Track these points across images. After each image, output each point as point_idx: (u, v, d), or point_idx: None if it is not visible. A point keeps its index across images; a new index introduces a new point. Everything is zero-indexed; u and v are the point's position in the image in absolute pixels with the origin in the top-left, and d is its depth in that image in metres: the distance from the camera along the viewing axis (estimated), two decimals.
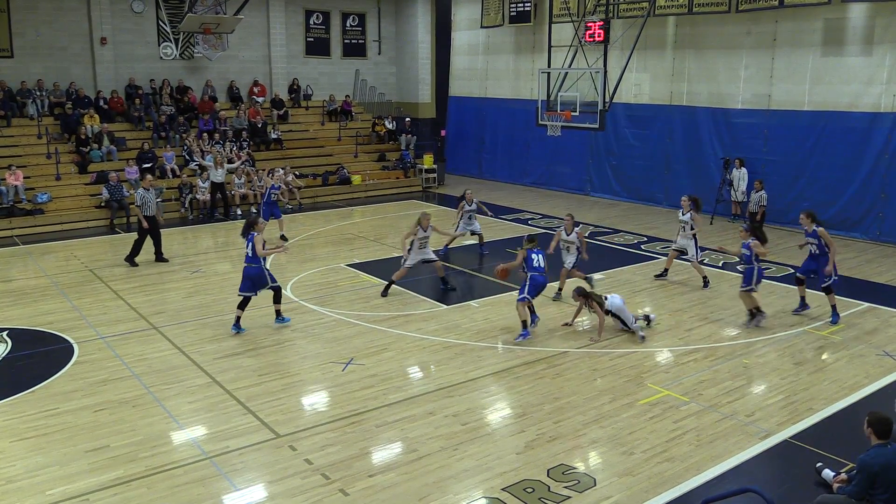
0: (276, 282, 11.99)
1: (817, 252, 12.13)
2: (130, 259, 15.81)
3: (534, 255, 11.66)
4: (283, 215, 18.17)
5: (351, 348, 11.13)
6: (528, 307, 11.61)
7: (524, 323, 11.43)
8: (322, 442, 8.30)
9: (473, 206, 16.57)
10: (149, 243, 15.93)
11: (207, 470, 7.74)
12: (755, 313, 11.98)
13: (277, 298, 12.09)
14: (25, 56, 22.36)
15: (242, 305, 11.80)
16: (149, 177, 16.41)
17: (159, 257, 16.12)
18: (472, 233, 16.82)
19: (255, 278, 11.73)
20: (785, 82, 19.24)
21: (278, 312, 12.15)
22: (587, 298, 11.51)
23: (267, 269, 11.90)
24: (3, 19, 21.82)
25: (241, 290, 11.78)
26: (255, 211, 18.68)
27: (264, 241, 11.87)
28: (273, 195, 17.50)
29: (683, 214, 14.29)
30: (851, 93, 17.95)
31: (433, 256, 14.02)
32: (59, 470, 7.73)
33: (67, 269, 15.70)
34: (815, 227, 12.01)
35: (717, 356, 10.85)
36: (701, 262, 14.49)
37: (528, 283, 11.51)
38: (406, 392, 9.64)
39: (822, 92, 18.51)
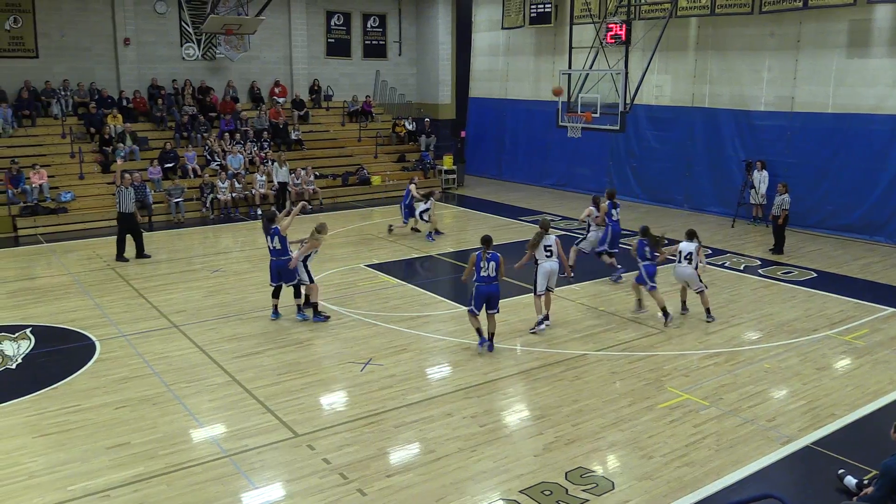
0: (309, 280, 12.26)
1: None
2: (119, 257, 16.17)
3: (482, 263, 10.66)
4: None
5: (370, 348, 11.15)
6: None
7: (477, 331, 11.00)
8: (340, 442, 8.32)
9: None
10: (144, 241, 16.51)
11: (226, 468, 7.78)
12: (666, 312, 12.20)
13: (298, 293, 12.43)
14: (50, 56, 22.61)
15: (275, 294, 12.39)
16: (127, 176, 16.68)
17: (140, 254, 16.36)
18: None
19: (279, 271, 12.14)
20: (808, 84, 19.05)
21: (299, 307, 12.46)
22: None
23: (305, 266, 12.23)
24: (29, 20, 22.09)
25: (270, 280, 12.36)
26: (273, 207, 18.85)
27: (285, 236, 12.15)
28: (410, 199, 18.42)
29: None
30: (876, 95, 17.74)
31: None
32: (80, 466, 7.81)
33: (90, 267, 15.85)
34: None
35: (737, 360, 10.76)
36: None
37: (472, 293, 10.88)
38: (424, 393, 9.65)
39: (846, 94, 18.31)
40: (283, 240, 12.03)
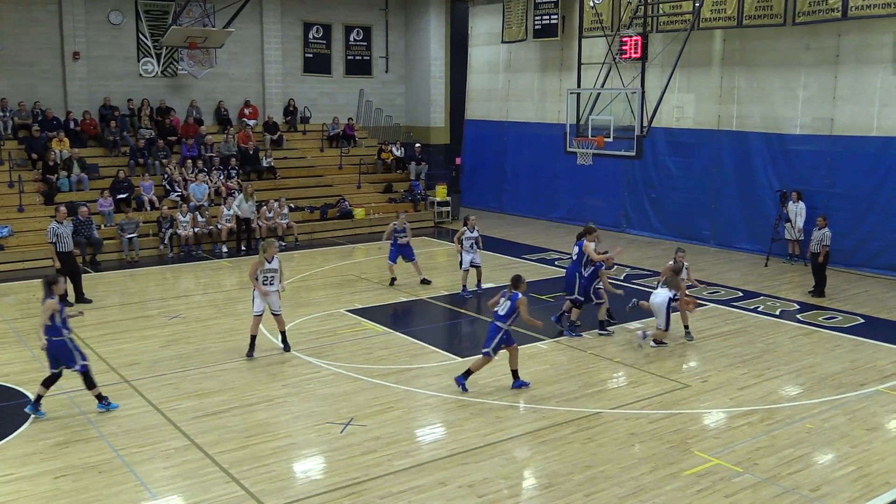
0: (85, 361, 10.85)
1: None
2: (62, 300, 15.96)
3: (501, 300, 11.59)
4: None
5: (351, 406, 11.06)
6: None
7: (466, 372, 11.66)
8: None
9: (475, 234, 16.97)
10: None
11: None
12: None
13: (88, 383, 10.87)
14: None
15: (46, 383, 10.76)
16: (62, 209, 16.80)
17: (80, 298, 16.35)
18: (473, 265, 17.06)
19: (54, 352, 10.70)
20: (850, 104, 19.26)
21: (98, 398, 10.97)
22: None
23: (71, 341, 10.86)
24: None
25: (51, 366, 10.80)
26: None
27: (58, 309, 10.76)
28: (399, 238, 17.83)
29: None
30: None
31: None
32: None
33: (29, 312, 15.74)
34: None
35: (774, 419, 10.70)
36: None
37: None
38: (414, 458, 9.55)
39: (894, 115, 18.50)
40: (51, 317, 10.64)
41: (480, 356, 11.54)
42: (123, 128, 24.22)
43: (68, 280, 16.04)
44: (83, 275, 17.09)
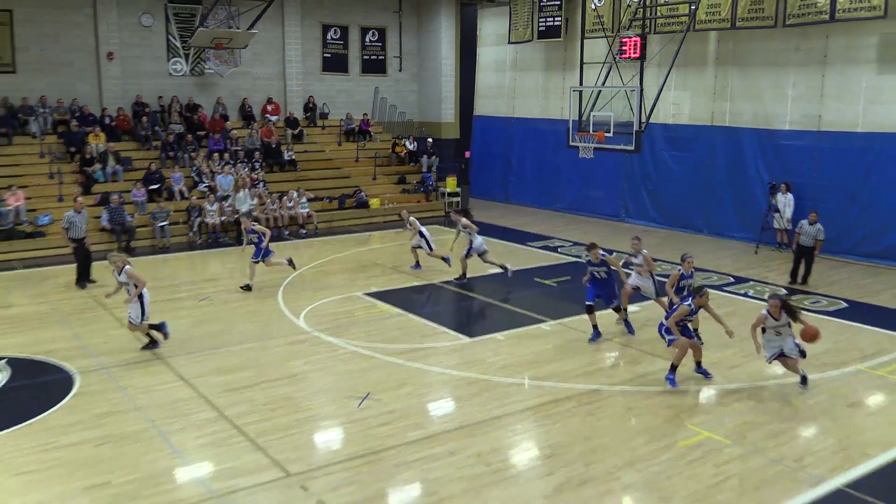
0: None
1: (605, 277, 12.97)
2: (80, 283, 16.50)
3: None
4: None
5: (367, 382, 11.15)
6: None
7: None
8: (336, 482, 8.33)
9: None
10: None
11: None
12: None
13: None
14: (28, 71, 22.88)
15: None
16: (80, 199, 17.06)
17: (86, 278, 16.61)
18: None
19: None
20: (836, 102, 19.20)
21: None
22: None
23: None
24: (6, 33, 22.38)
25: None
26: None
27: None
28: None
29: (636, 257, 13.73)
30: None
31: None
32: None
33: (69, 295, 15.93)
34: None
35: (762, 396, 10.75)
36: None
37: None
38: (426, 430, 9.65)
39: (878, 112, 18.44)
40: None
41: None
42: (155, 123, 24.30)
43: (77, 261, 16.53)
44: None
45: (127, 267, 12.18)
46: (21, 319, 14.25)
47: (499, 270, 16.98)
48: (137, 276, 12.16)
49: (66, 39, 23.34)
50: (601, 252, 12.94)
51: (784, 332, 10.66)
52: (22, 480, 8.37)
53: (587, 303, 12.95)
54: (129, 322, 12.35)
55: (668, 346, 11.34)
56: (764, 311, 10.66)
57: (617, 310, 13.38)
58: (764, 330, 10.76)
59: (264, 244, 16.07)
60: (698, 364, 11.30)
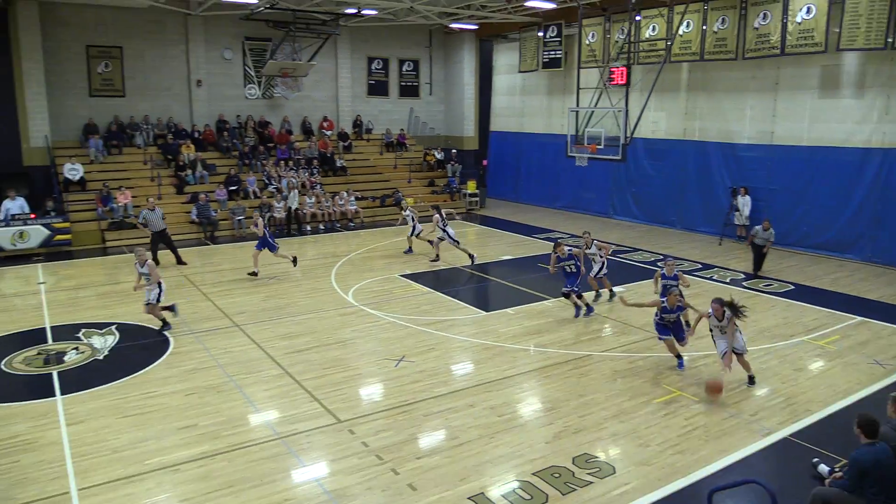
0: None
1: (574, 271, 12.60)
2: (179, 262, 16.92)
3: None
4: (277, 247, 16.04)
5: (403, 347, 11.14)
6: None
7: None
8: (377, 427, 8.32)
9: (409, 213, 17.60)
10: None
11: (279, 448, 7.81)
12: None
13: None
14: (135, 95, 23.00)
15: None
16: (152, 199, 17.15)
17: (179, 261, 16.90)
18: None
19: None
20: (786, 121, 18.82)
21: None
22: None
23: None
24: (117, 65, 22.52)
25: None
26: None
27: None
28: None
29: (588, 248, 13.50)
30: (845, 130, 17.48)
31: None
32: (156, 443, 7.89)
33: (165, 274, 15.80)
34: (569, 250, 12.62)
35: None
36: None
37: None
38: (450, 387, 9.62)
39: (819, 129, 18.06)
40: None
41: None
42: (234, 137, 24.33)
43: (168, 249, 16.93)
44: (202, 247, 17.41)
45: (148, 261, 11.83)
46: (128, 293, 14.28)
47: (469, 260, 16.90)
48: (155, 272, 11.74)
49: (164, 70, 23.40)
50: (567, 248, 12.73)
51: (730, 331, 9.45)
52: (129, 421, 8.45)
53: (563, 290, 12.77)
54: (147, 304, 11.69)
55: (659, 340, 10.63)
56: (709, 310, 9.64)
57: (580, 296, 12.68)
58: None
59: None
60: (677, 357, 10.44)
